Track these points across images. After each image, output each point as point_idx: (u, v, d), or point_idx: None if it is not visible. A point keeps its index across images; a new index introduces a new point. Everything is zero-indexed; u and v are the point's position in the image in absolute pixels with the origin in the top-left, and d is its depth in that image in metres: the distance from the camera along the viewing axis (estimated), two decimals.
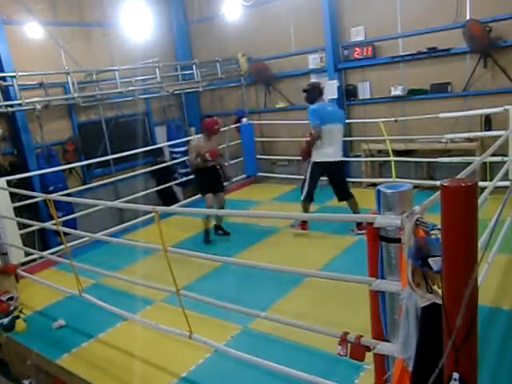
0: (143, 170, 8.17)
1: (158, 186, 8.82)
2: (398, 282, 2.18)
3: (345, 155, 8.68)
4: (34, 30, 7.75)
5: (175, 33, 10.56)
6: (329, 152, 5.75)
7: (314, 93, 5.89)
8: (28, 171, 7.21)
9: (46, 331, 4.36)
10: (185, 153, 9.37)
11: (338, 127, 5.80)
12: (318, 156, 5.80)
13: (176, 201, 9.12)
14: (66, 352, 3.95)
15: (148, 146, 8.99)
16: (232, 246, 5.92)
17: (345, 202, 5.89)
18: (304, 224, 6.05)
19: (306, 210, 5.96)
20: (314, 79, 9.14)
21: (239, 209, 6.96)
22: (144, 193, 7.86)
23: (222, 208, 6.48)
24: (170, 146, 9.33)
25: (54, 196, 4.88)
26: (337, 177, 5.88)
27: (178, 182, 9.12)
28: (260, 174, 9.29)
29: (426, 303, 1.90)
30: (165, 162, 9.14)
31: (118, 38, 9.04)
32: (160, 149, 9.32)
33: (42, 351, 4.02)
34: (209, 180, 6.41)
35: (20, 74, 6.90)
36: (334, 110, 5.92)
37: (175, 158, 9.25)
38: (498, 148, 4.02)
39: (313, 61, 8.99)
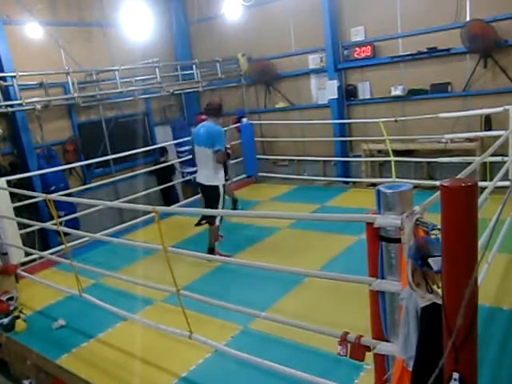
0: (143, 170, 8.17)
1: (160, 184, 8.79)
2: (398, 282, 2.18)
3: (345, 155, 8.82)
4: (34, 30, 7.75)
5: (175, 33, 10.56)
6: (198, 173, 5.77)
7: (205, 113, 5.79)
8: (28, 171, 7.21)
9: (46, 331, 4.35)
10: (190, 151, 9.41)
11: (202, 150, 5.54)
12: None
13: (177, 200, 9.12)
14: (66, 352, 3.94)
15: (148, 145, 8.99)
16: (232, 246, 5.92)
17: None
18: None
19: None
20: (313, 79, 9.17)
21: (239, 209, 6.96)
22: (145, 192, 7.87)
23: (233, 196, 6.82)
24: (175, 145, 9.33)
25: (54, 196, 4.88)
26: (204, 198, 5.75)
27: (182, 180, 9.15)
28: (260, 173, 9.29)
29: (426, 303, 1.90)
30: (167, 161, 9.07)
31: (118, 38, 9.03)
32: (163, 148, 9.27)
33: (42, 351, 4.01)
34: None
35: (20, 74, 6.90)
36: (203, 132, 5.53)
37: (181, 157, 9.27)
38: (498, 148, 4.02)
39: (313, 61, 8.99)
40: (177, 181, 9.13)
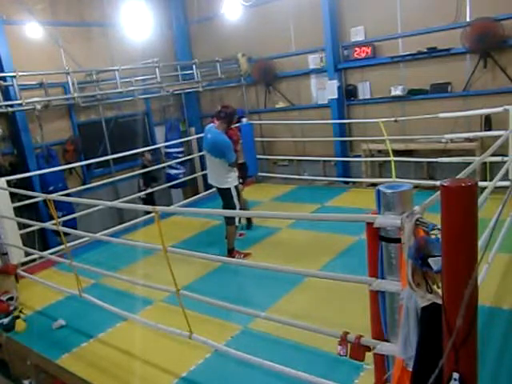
0: (142, 171, 8.17)
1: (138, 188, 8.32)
2: (398, 282, 2.18)
3: (345, 155, 8.82)
4: (34, 29, 7.76)
5: (175, 33, 10.56)
6: (208, 175, 5.83)
7: (217, 115, 5.71)
8: (28, 171, 7.21)
9: (46, 331, 4.35)
10: (182, 152, 9.36)
11: (209, 156, 5.62)
12: None
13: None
14: (66, 352, 3.94)
15: (148, 146, 8.98)
16: None
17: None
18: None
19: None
20: (313, 79, 9.17)
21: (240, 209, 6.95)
22: (144, 193, 7.87)
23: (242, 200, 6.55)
24: (166, 146, 9.24)
25: (54, 196, 4.87)
26: (221, 198, 5.78)
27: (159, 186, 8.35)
28: (260, 173, 9.29)
29: (426, 303, 1.90)
30: (146, 165, 8.30)
31: (118, 38, 9.04)
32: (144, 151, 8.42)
33: (42, 351, 4.01)
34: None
35: (20, 74, 6.91)
36: (210, 140, 5.54)
37: (176, 158, 9.21)
38: (498, 148, 4.02)
39: (313, 61, 8.99)
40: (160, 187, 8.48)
